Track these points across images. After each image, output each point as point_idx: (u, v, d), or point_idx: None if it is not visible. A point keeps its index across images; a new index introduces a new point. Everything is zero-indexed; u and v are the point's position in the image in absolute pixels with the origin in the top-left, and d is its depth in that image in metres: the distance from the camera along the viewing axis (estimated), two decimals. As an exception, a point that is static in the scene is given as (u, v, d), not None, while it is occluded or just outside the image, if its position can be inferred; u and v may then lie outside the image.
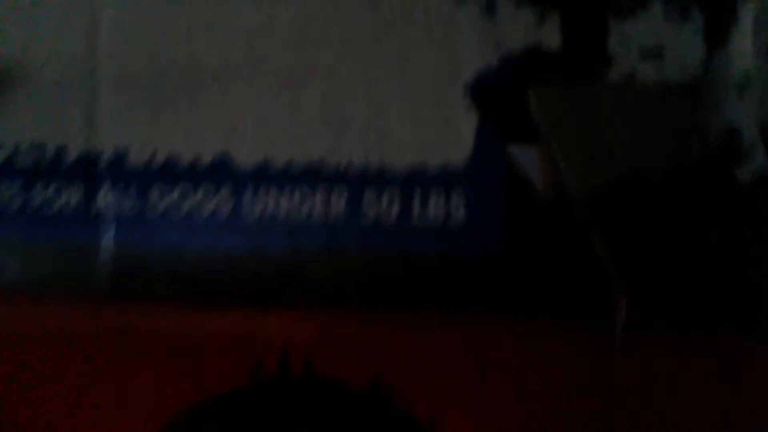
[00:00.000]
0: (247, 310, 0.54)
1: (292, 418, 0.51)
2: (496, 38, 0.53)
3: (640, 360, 0.50)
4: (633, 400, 0.49)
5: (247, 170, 0.58)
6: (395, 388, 0.50)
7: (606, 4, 0.52)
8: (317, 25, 0.56)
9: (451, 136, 0.54)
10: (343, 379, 0.51)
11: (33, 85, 0.58)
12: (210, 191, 0.59)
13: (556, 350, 0.51)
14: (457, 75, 0.54)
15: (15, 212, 0.57)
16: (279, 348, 0.53)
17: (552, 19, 0.53)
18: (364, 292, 0.54)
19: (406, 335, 0.52)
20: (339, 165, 0.56)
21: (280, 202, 0.57)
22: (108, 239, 0.57)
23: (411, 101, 0.55)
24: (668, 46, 0.52)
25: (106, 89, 0.59)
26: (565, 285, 0.51)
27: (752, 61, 0.51)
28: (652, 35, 0.52)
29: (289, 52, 0.56)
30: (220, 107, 0.58)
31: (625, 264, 0.49)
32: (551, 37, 0.53)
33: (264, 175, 0.57)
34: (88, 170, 0.58)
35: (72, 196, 0.58)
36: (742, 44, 0.51)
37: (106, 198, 0.58)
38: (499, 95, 0.54)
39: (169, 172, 0.58)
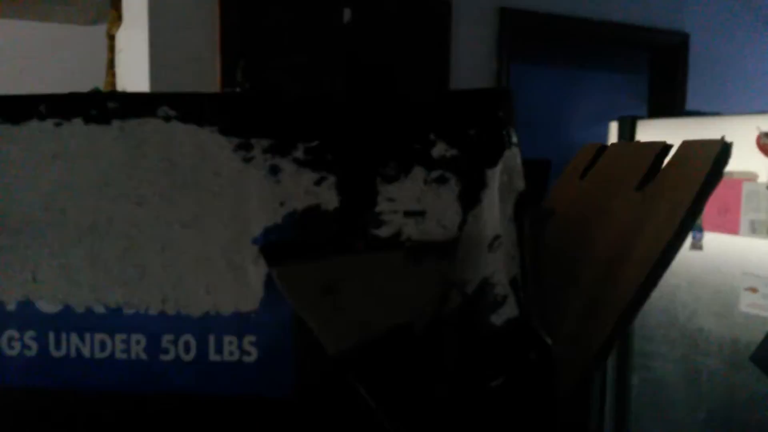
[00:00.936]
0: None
1: None
2: (281, 198, 0.58)
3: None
4: None
5: (50, 314, 0.60)
6: None
7: (375, 169, 0.58)
8: (116, 183, 0.58)
9: (242, 286, 0.58)
10: None
11: None
12: (13, 336, 0.60)
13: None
14: (246, 231, 0.58)
15: None
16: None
17: (329, 182, 0.58)
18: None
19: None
20: (137, 311, 0.59)
21: (80, 347, 0.59)
22: None
23: (204, 254, 0.58)
24: (429, 208, 0.57)
25: None
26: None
27: (500, 223, 0.58)
28: (414, 198, 0.57)
29: (89, 206, 0.58)
30: (24, 256, 0.59)
31: (395, 415, 0.54)
32: (329, 197, 0.58)
33: (65, 320, 0.59)
34: None
35: None
36: (492, 208, 0.58)
37: None
38: (284, 250, 0.58)
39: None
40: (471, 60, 2.76)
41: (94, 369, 0.59)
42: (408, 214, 0.57)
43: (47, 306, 0.59)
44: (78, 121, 0.58)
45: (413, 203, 0.57)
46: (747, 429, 1.75)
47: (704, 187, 0.58)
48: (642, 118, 1.98)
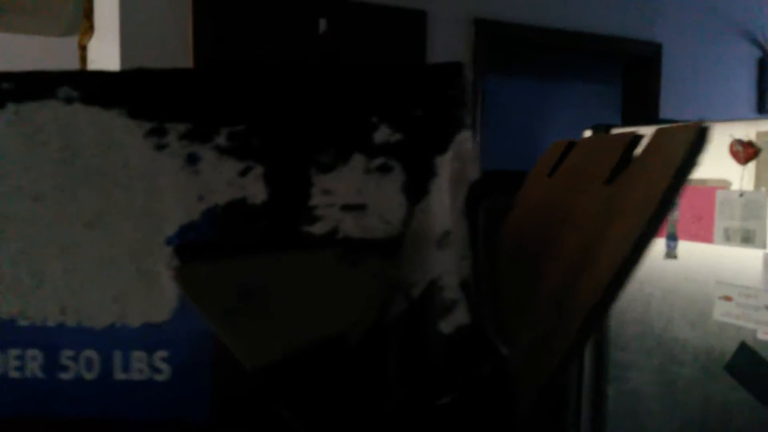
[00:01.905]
0: None
1: None
2: (199, 192, 0.49)
3: None
4: None
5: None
6: None
7: (309, 157, 0.49)
8: (10, 175, 0.49)
9: (153, 294, 0.49)
10: None
11: None
12: None
13: None
14: (159, 230, 0.49)
15: None
16: None
17: (256, 172, 0.49)
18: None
19: None
20: (33, 323, 0.50)
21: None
22: None
23: (109, 257, 0.49)
24: (370, 201, 0.49)
25: None
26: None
27: (451, 218, 0.50)
28: (353, 190, 0.49)
29: (-23, 202, 0.50)
30: None
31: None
32: (256, 190, 0.49)
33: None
34: None
35: None
36: (441, 201, 0.49)
37: None
38: (202, 250, 0.49)
39: None
40: (445, 70, 2.69)
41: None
42: (346, 208, 0.49)
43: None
44: None
45: (352, 196, 0.49)
46: (724, 439, 1.69)
47: (678, 174, 0.50)
48: (616, 125, 1.93)
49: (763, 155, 1.59)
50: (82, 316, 0.49)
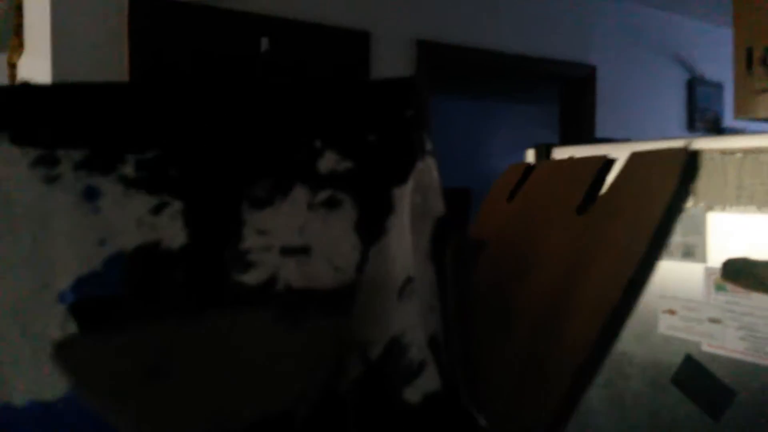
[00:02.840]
0: None
1: None
2: (100, 234, 0.38)
3: None
4: None
5: None
6: None
7: (239, 190, 0.39)
8: None
9: (42, 365, 0.38)
10: None
11: None
12: None
13: None
14: (49, 284, 0.38)
15: None
16: None
17: (173, 209, 0.39)
18: None
19: None
20: None
21: None
22: None
23: (-15, 321, 0.38)
24: (315, 243, 0.39)
25: None
26: None
27: (414, 261, 0.40)
28: (295, 229, 0.39)
29: None
30: None
31: None
32: (173, 231, 0.38)
33: None
34: None
35: None
36: (402, 241, 0.40)
37: None
38: (105, 309, 0.38)
39: None
40: (389, 90, 2.63)
41: None
42: (286, 251, 0.39)
43: None
44: None
45: (293, 236, 0.39)
46: (673, 453, 1.65)
47: (672, 206, 0.42)
48: (557, 145, 1.89)
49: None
50: (-52, 396, 0.37)
